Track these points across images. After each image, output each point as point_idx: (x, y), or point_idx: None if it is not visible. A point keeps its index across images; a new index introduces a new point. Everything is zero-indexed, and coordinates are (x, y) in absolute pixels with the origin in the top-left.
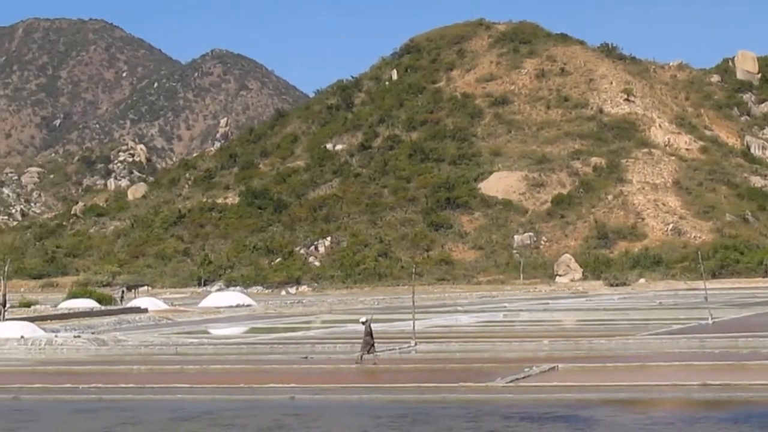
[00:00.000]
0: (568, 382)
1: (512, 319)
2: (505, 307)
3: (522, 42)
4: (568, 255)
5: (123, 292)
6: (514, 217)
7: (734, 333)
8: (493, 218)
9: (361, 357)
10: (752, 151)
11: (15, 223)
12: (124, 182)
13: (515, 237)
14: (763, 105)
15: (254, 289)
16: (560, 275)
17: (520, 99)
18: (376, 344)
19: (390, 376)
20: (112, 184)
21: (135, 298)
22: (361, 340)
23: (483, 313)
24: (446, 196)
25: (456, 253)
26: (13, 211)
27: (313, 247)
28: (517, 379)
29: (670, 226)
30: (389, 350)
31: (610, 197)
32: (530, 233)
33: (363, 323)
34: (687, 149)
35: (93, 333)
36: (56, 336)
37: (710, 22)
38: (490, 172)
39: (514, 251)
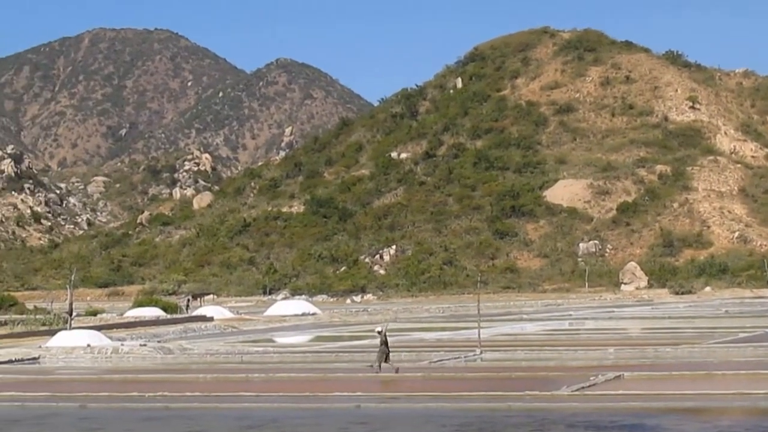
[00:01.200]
0: (633, 391)
1: (577, 328)
2: (570, 315)
3: (587, 50)
4: (633, 263)
5: (188, 300)
6: (579, 225)
7: None
8: (558, 226)
9: (380, 366)
10: None
11: (81, 232)
12: (189, 191)
13: (580, 245)
14: None
15: (319, 298)
16: (625, 283)
17: (584, 107)
18: (391, 353)
19: (456, 385)
20: (177, 193)
21: (200, 306)
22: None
23: (548, 321)
24: (511, 204)
25: (521, 261)
26: (80, 220)
27: (377, 256)
28: (582, 387)
29: (736, 233)
30: (454, 359)
31: (675, 205)
32: (595, 241)
33: (379, 333)
34: (753, 156)
35: (159, 341)
36: (122, 344)
37: None
38: (555, 180)
39: (579, 259)
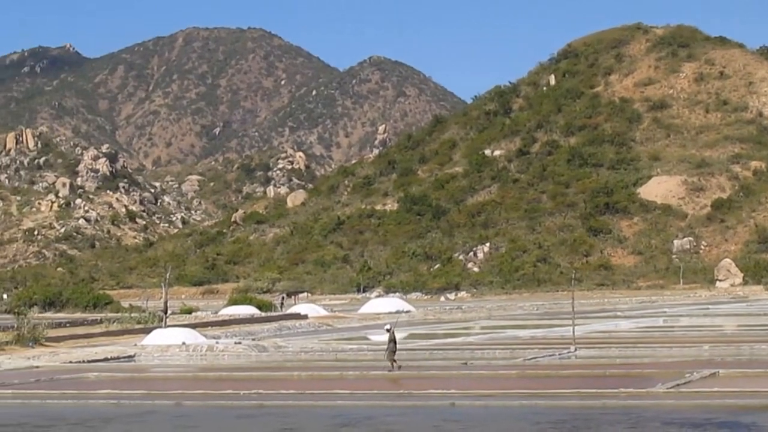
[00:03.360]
0: (729, 388)
1: (672, 325)
2: (665, 312)
3: (680, 45)
4: (728, 260)
5: (283, 298)
6: (674, 222)
7: None
8: (653, 223)
9: (392, 363)
10: None
11: (176, 230)
12: (283, 189)
13: (675, 242)
14: None
15: (413, 295)
16: (720, 280)
17: (678, 103)
18: (397, 351)
19: (550, 382)
20: (271, 191)
21: (295, 304)
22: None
23: (643, 318)
24: (605, 201)
25: (615, 258)
26: (174, 218)
27: (471, 253)
28: (677, 384)
29: None
30: (549, 356)
31: None
32: (690, 238)
33: (387, 330)
34: None
35: (253, 339)
36: (217, 342)
37: None
38: (649, 177)
39: (674, 256)
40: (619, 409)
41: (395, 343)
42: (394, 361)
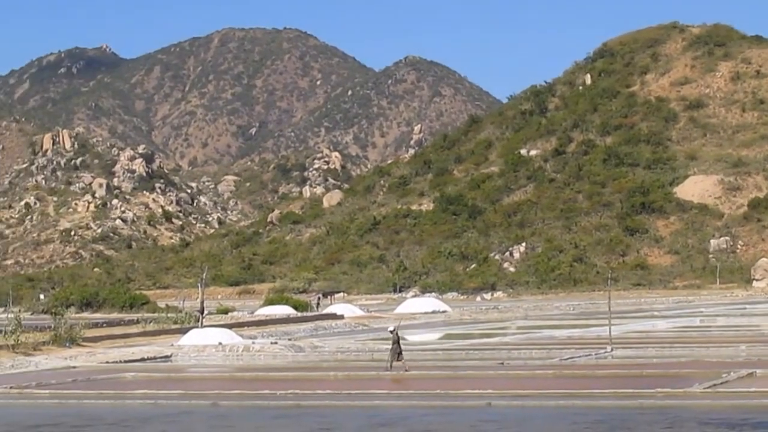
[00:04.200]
0: (766, 388)
1: (709, 324)
2: (701, 312)
3: (717, 45)
4: (765, 259)
5: (319, 298)
6: (710, 222)
7: None
8: (689, 222)
9: (391, 364)
10: None
11: (212, 231)
12: (319, 189)
13: (711, 241)
14: None
15: (449, 295)
16: (757, 280)
17: (715, 102)
18: (403, 352)
19: (586, 382)
20: (307, 191)
21: (331, 304)
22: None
23: (679, 318)
24: (641, 201)
25: (651, 258)
26: (210, 219)
27: (507, 253)
28: (714, 384)
29: None
30: (585, 356)
31: None
32: (726, 237)
33: (391, 332)
34: None
35: (290, 339)
36: (253, 342)
37: None
38: (685, 176)
39: (711, 256)
40: (656, 409)
41: (399, 344)
42: (397, 361)
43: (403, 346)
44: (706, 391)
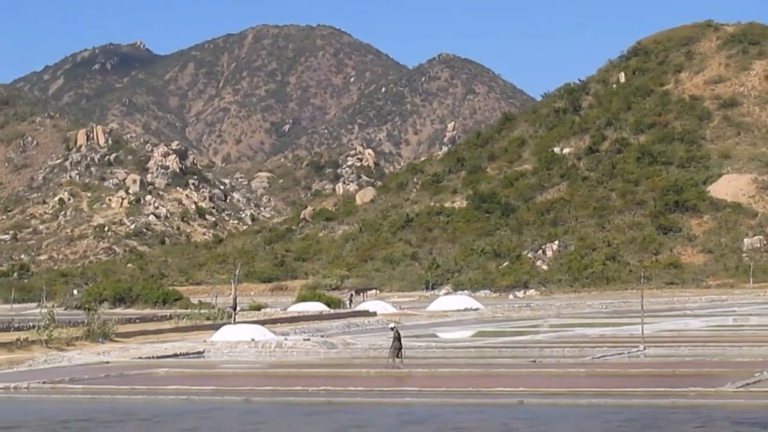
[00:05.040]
0: None
1: (742, 324)
2: (734, 311)
3: (751, 43)
4: None
5: (352, 295)
6: (744, 220)
7: None
8: (722, 221)
9: (393, 361)
10: None
11: (245, 227)
12: (352, 186)
13: (745, 240)
14: None
15: (482, 293)
16: None
17: (749, 101)
18: (404, 350)
19: (619, 381)
20: (340, 188)
21: (363, 301)
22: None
23: (712, 317)
24: (675, 200)
25: (685, 257)
26: (244, 215)
27: (540, 251)
28: (747, 384)
29: None
30: (618, 354)
31: None
32: (760, 236)
33: (391, 329)
34: None
35: (322, 336)
36: (286, 339)
37: None
38: (719, 175)
39: (744, 255)
40: (688, 408)
41: (400, 341)
42: (397, 358)
43: (435, 343)
44: (738, 391)
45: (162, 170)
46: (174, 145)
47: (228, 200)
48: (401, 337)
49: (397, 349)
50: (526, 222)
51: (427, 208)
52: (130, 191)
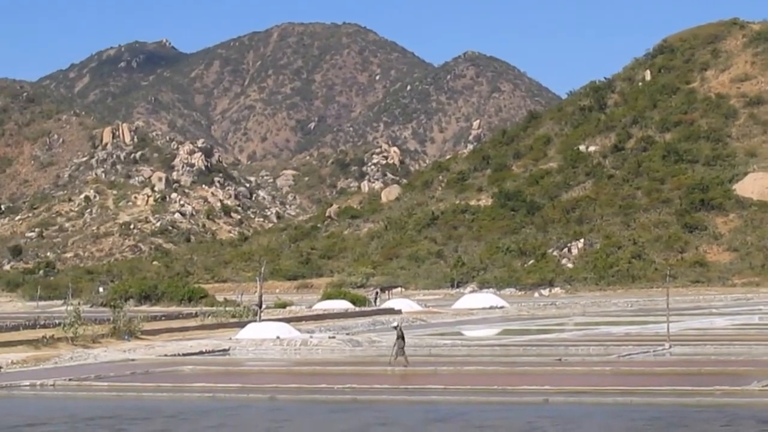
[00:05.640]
0: None
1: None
2: (760, 309)
3: None
4: None
5: (377, 293)
6: None
7: None
8: (748, 219)
9: (395, 358)
10: None
11: (270, 225)
12: (377, 184)
13: None
14: None
15: (507, 291)
16: None
17: None
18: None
19: (644, 379)
20: (365, 186)
21: (389, 299)
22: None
23: (738, 315)
24: (700, 198)
25: (710, 255)
26: (269, 213)
27: (566, 249)
28: None
29: None
30: (643, 353)
31: None
32: None
33: (394, 328)
34: None
35: (347, 334)
36: (311, 337)
37: None
38: (745, 174)
39: None
40: (714, 407)
41: (403, 339)
42: (400, 357)
43: (460, 341)
44: (764, 389)
45: (188, 168)
46: (200, 142)
47: (253, 198)
48: (404, 335)
49: (401, 347)
50: (551, 220)
51: (453, 206)
52: (156, 189)
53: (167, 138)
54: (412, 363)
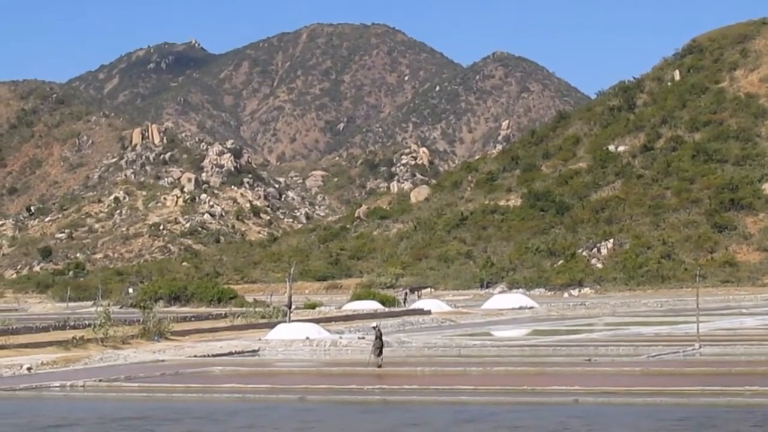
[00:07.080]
0: None
1: None
2: None
3: None
4: None
5: (406, 294)
6: None
7: None
8: None
9: (378, 359)
10: None
11: (300, 226)
12: (406, 185)
13: None
14: None
15: (536, 291)
16: None
17: None
18: (384, 349)
19: (674, 380)
20: (395, 186)
21: (418, 300)
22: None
23: None
24: (730, 198)
25: (740, 255)
26: (298, 214)
27: (595, 249)
28: None
29: None
30: (673, 353)
31: None
32: None
33: (373, 328)
34: None
35: None
36: (341, 337)
37: None
38: None
39: None
40: (744, 407)
41: (381, 340)
42: (379, 356)
43: (490, 342)
44: None
45: (217, 169)
46: (229, 143)
47: (283, 199)
48: (383, 335)
49: (378, 347)
50: (580, 220)
51: (482, 206)
52: (185, 190)
53: (196, 139)
54: (441, 364)
